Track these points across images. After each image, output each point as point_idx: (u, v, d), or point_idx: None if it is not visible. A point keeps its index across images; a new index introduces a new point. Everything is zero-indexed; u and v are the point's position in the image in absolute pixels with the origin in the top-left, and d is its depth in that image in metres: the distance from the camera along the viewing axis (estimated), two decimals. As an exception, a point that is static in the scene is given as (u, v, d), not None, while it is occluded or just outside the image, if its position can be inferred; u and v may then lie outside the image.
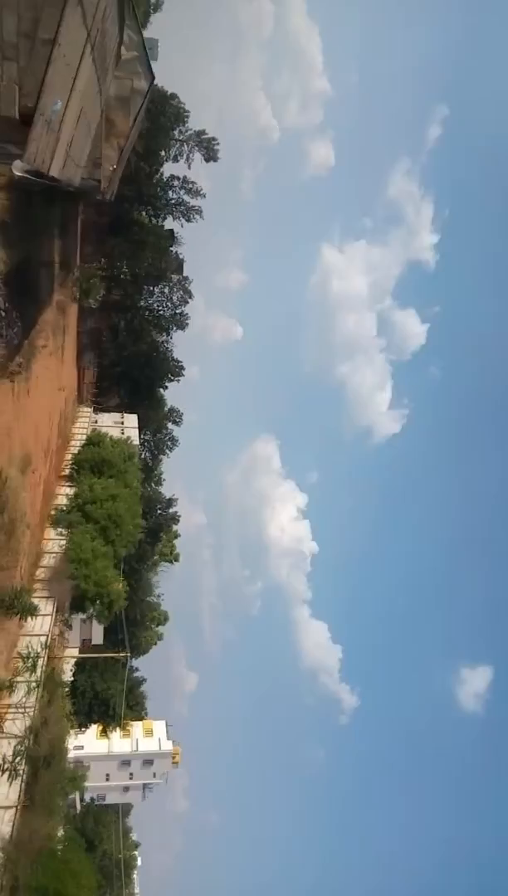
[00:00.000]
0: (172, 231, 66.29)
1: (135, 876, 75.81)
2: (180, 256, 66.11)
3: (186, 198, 66.87)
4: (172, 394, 74.39)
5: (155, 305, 68.99)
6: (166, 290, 67.90)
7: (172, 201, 67.12)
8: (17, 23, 12.94)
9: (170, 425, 74.72)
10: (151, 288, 67.67)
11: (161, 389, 71.97)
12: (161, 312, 68.76)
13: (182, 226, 67.76)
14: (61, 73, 13.72)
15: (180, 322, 68.71)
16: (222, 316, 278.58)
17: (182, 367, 71.24)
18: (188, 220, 67.37)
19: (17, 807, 21.20)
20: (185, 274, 67.13)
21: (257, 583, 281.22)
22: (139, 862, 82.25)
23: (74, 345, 52.75)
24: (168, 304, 68.60)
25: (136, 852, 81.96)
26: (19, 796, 21.43)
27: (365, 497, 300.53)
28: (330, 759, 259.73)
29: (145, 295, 68.04)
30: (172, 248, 65.33)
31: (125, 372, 66.57)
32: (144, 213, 65.15)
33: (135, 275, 63.22)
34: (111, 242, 61.41)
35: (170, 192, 66.96)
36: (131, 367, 66.25)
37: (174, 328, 69.12)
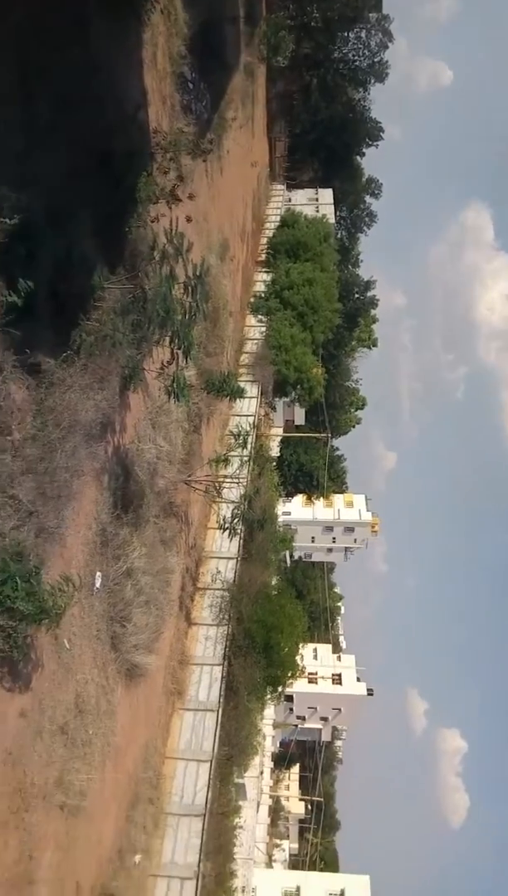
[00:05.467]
0: (368, -47, 55.88)
1: (339, 621, 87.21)
2: (379, -12, 56.31)
3: None
4: (370, 161, 68.40)
5: (350, 56, 61.16)
6: (363, 35, 59.50)
7: None
8: None
9: (368, 198, 69.72)
10: (346, 34, 59.53)
11: (358, 157, 66.42)
12: (357, 64, 60.98)
13: None
14: None
15: (379, 73, 60.74)
16: (427, 59, 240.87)
17: (381, 129, 64.78)
18: None
19: (237, 558, 24.76)
20: (384, 12, 57.74)
21: (461, 367, 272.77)
22: (343, 611, 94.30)
23: (263, 114, 49.13)
24: (365, 52, 60.40)
25: (339, 604, 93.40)
26: (238, 550, 24.89)
27: None
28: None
29: (339, 44, 60.16)
30: (369, -22, 55.57)
31: (319, 139, 61.59)
32: None
33: (327, 20, 55.26)
34: (299, -20, 53.49)
35: None
36: (326, 133, 61.00)
37: (372, 81, 61.48)
